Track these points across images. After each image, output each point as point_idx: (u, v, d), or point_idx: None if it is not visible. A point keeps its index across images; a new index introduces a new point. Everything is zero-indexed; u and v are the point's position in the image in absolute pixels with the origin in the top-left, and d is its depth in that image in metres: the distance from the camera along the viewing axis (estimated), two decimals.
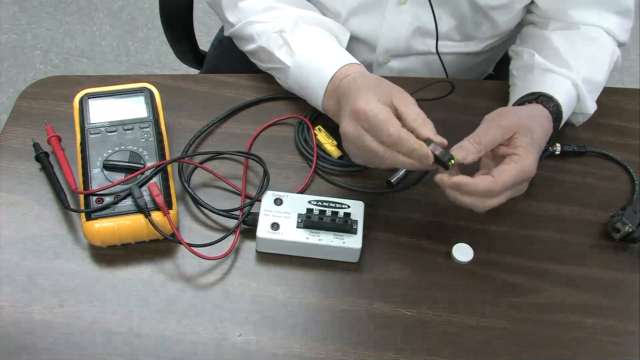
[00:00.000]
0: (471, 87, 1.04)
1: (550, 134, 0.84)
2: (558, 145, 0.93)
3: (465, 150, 0.76)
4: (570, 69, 0.90)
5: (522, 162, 0.76)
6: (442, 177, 0.77)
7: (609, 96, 0.94)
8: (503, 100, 0.95)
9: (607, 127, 0.97)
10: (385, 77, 0.83)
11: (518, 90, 0.91)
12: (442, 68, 0.99)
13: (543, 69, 0.91)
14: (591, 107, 0.91)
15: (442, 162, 0.75)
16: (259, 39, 0.92)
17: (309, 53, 0.89)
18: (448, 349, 0.75)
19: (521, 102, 0.87)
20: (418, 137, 0.74)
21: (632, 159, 0.94)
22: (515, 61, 0.97)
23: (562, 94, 0.87)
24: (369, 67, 1.05)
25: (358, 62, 0.87)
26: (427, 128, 0.75)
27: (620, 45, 0.97)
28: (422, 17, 0.97)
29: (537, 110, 0.83)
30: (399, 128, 0.73)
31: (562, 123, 0.88)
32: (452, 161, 0.75)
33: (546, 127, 0.82)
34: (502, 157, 0.78)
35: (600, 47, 0.93)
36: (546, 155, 0.89)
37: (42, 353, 0.72)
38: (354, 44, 1.02)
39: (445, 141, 0.75)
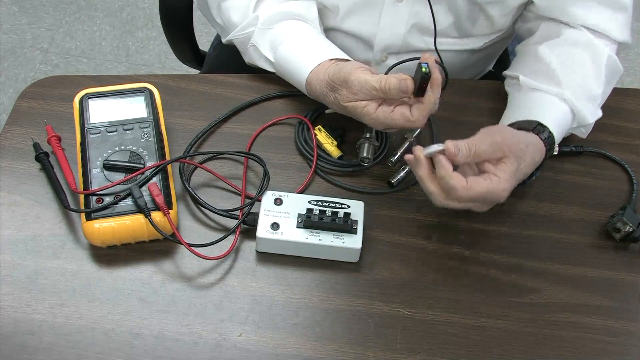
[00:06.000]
0: (470, 86, 1.04)
1: (539, 164, 0.84)
2: (556, 145, 0.92)
3: (458, 148, 0.76)
4: (559, 84, 0.89)
5: (496, 186, 0.76)
6: (420, 148, 0.77)
7: (609, 96, 0.94)
8: (502, 100, 0.95)
9: (607, 127, 0.97)
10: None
11: (511, 110, 0.91)
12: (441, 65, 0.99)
13: (530, 87, 0.91)
14: (590, 117, 0.90)
15: (419, 76, 0.77)
16: (244, 55, 0.99)
17: (282, 63, 0.94)
18: (448, 349, 0.75)
19: (518, 127, 0.86)
20: (389, 95, 0.80)
21: (632, 158, 0.94)
22: (506, 80, 0.98)
23: (554, 118, 0.86)
24: (367, 65, 1.05)
25: (315, 66, 0.89)
26: (394, 83, 0.79)
27: (622, 46, 0.96)
28: (420, 14, 0.97)
29: (534, 141, 0.83)
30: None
31: (556, 145, 0.87)
32: (425, 69, 0.76)
33: (537, 159, 0.82)
34: (483, 172, 0.79)
35: (592, 53, 0.92)
36: (530, 180, 0.87)
37: (42, 353, 0.72)
38: (352, 42, 1.02)
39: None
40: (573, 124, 0.90)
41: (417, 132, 0.92)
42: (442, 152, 0.76)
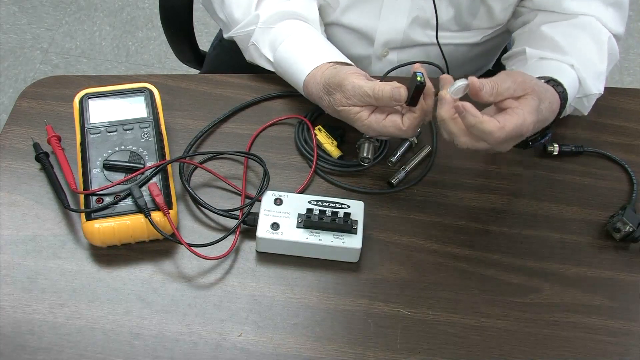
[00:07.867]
0: None
1: (553, 119, 0.84)
2: (556, 145, 0.93)
3: (482, 84, 0.74)
4: (565, 53, 0.90)
5: (525, 118, 0.75)
6: (448, 95, 0.75)
7: (609, 96, 0.94)
8: None
9: (607, 127, 0.97)
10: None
11: None
12: (442, 59, 0.99)
13: (538, 58, 0.91)
14: (594, 88, 0.90)
15: (414, 85, 0.76)
16: (245, 53, 0.99)
17: (281, 63, 0.93)
18: (448, 349, 0.75)
19: None
20: (382, 102, 0.79)
21: (632, 158, 0.94)
22: (509, 62, 0.98)
23: (565, 80, 0.87)
24: (368, 60, 1.05)
25: (313, 68, 0.89)
26: (387, 91, 0.78)
27: (617, 37, 0.97)
28: (421, 7, 0.97)
29: (550, 89, 0.83)
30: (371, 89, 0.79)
31: (567, 107, 0.87)
32: (420, 78, 0.76)
33: (554, 107, 0.82)
34: (504, 109, 0.77)
35: (594, 33, 0.93)
36: (540, 143, 0.87)
37: (42, 353, 0.72)
38: (352, 36, 1.02)
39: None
40: (578, 93, 0.90)
41: (417, 133, 0.92)
42: (466, 87, 0.74)
